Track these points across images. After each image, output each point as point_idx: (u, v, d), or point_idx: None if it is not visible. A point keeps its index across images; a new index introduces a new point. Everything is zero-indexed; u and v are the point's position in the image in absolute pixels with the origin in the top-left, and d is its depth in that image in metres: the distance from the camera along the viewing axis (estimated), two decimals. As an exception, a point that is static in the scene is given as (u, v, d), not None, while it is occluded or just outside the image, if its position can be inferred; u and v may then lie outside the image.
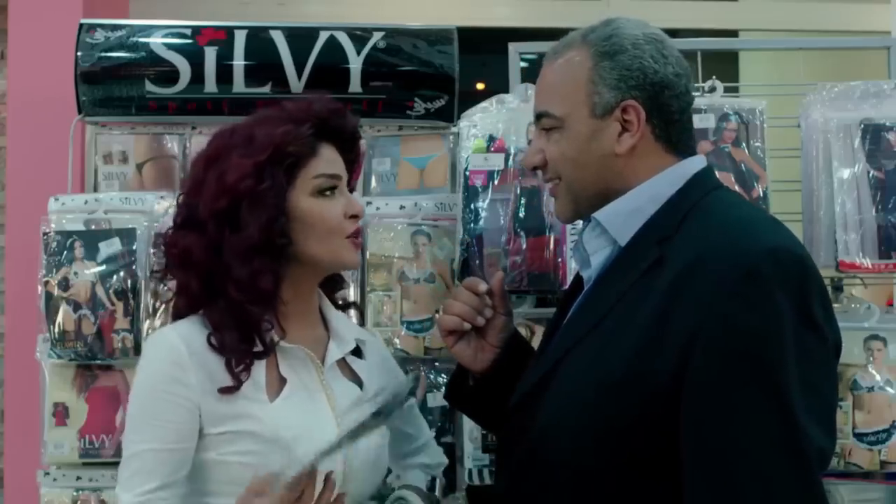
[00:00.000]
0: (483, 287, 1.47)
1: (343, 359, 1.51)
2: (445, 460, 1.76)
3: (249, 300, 1.39)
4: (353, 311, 1.69)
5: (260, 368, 1.41)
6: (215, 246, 1.40)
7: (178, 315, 1.47)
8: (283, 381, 1.42)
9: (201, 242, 1.40)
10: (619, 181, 1.33)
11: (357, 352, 1.55)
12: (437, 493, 1.67)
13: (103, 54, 2.28)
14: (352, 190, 1.54)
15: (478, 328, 1.51)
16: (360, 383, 1.51)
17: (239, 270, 1.39)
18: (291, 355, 1.44)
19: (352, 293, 2.12)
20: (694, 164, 1.35)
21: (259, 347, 1.40)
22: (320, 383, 1.45)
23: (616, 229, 1.32)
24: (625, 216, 1.32)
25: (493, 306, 1.51)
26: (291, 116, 1.45)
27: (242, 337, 1.39)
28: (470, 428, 2.00)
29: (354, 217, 1.47)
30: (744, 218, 1.28)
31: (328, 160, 1.47)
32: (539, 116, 1.38)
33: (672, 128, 1.34)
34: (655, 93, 1.32)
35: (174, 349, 1.38)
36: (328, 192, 1.45)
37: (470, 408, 1.63)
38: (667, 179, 1.32)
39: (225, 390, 1.37)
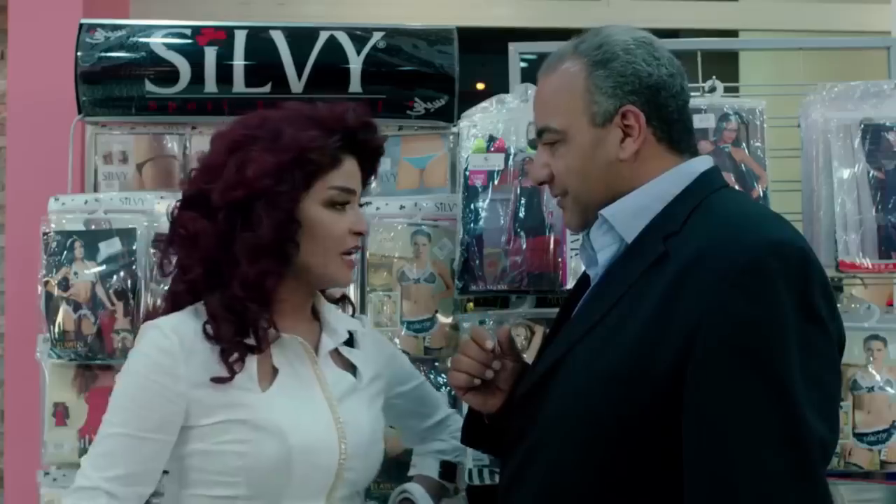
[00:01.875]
0: (490, 344, 1.45)
1: (336, 350, 1.52)
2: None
3: (252, 298, 1.39)
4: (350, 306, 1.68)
5: (252, 360, 1.41)
6: (225, 237, 1.39)
7: (175, 298, 1.45)
8: (275, 371, 1.43)
9: (212, 231, 1.40)
10: (625, 186, 1.33)
11: (351, 342, 1.55)
12: (463, 479, 1.66)
13: (103, 54, 2.29)
14: (362, 204, 1.54)
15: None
16: (354, 371, 1.52)
17: (247, 268, 1.38)
18: (285, 346, 1.44)
19: (352, 293, 2.13)
20: (701, 163, 1.36)
21: (252, 342, 1.40)
22: (314, 372, 1.46)
23: (623, 226, 1.33)
24: (631, 213, 1.32)
25: (503, 355, 1.48)
26: (322, 122, 1.44)
27: (238, 330, 1.39)
28: (470, 428, 2.00)
29: (358, 234, 1.47)
30: (746, 213, 1.29)
31: (347, 173, 1.46)
32: (540, 132, 1.39)
33: (673, 127, 1.34)
34: (652, 95, 1.32)
35: (166, 339, 1.38)
36: (339, 206, 1.45)
37: (488, 445, 1.60)
38: (673, 178, 1.33)
39: (217, 380, 1.37)
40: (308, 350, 1.46)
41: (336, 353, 1.52)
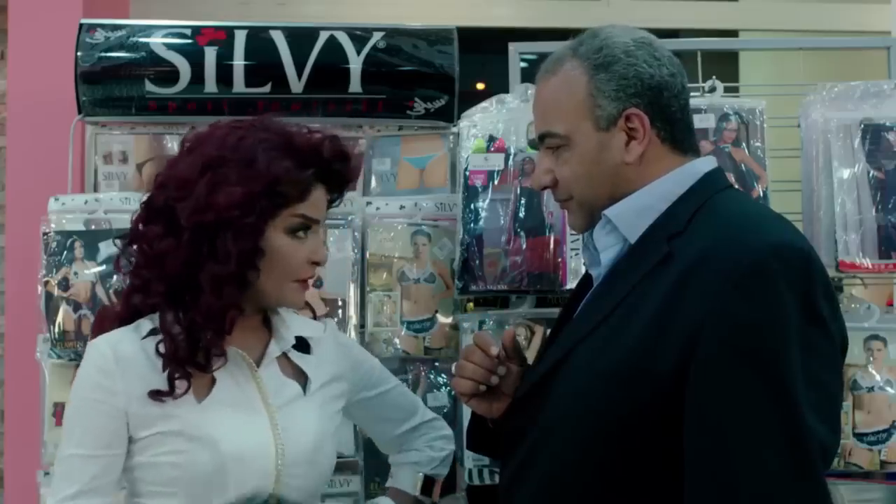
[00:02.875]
0: (495, 350, 1.43)
1: (287, 357, 1.50)
2: (441, 454, 1.70)
3: (211, 327, 1.39)
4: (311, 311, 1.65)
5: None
6: (189, 261, 1.38)
7: (133, 309, 1.45)
8: (213, 381, 1.42)
9: (177, 254, 1.39)
10: (630, 188, 1.33)
11: (306, 348, 1.53)
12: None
13: (103, 54, 2.29)
14: (334, 201, 1.52)
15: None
16: (305, 378, 1.51)
17: (211, 300, 1.38)
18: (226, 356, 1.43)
19: (352, 293, 2.13)
20: (705, 163, 1.35)
21: (202, 361, 1.40)
22: (254, 382, 1.45)
23: (626, 227, 1.32)
24: (635, 213, 1.32)
25: (507, 359, 1.46)
26: (298, 152, 1.42)
27: (193, 353, 1.39)
28: (470, 428, 2.00)
29: (315, 264, 1.46)
30: (750, 215, 1.29)
31: (314, 203, 1.45)
32: (542, 137, 1.38)
33: (676, 127, 1.34)
34: (655, 97, 1.32)
35: (101, 356, 1.39)
36: (301, 233, 1.44)
37: (492, 449, 1.58)
38: (678, 178, 1.32)
39: (155, 394, 1.37)
40: (246, 359, 1.45)
41: (286, 361, 1.51)
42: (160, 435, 1.38)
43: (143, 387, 1.38)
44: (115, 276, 2.10)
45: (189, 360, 1.39)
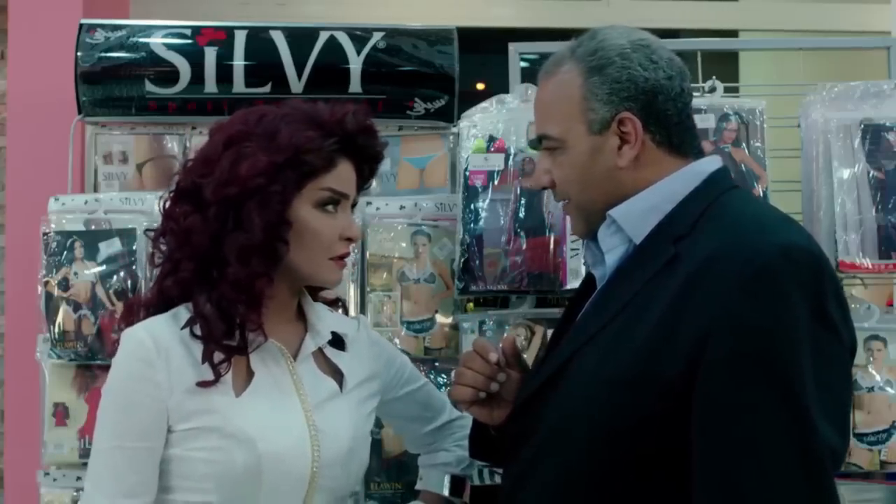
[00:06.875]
0: (494, 357, 1.42)
1: (322, 353, 1.49)
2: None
3: (242, 300, 1.37)
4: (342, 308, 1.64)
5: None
6: (217, 235, 1.37)
7: (165, 294, 1.43)
8: (251, 374, 1.40)
9: (204, 228, 1.37)
10: (626, 193, 1.32)
11: (340, 344, 1.51)
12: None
13: (103, 54, 2.29)
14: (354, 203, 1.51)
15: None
16: (341, 376, 1.49)
17: (238, 269, 1.36)
18: (263, 349, 1.41)
19: (352, 293, 2.13)
20: (709, 163, 1.35)
21: (239, 343, 1.38)
22: (291, 378, 1.43)
23: (631, 227, 1.31)
24: (640, 214, 1.31)
25: (507, 365, 1.45)
26: (321, 123, 1.41)
27: (227, 331, 1.37)
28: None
29: (349, 240, 1.45)
30: (757, 216, 1.28)
31: (341, 176, 1.43)
32: (540, 139, 1.38)
33: (672, 131, 1.33)
34: (649, 100, 1.31)
35: (142, 346, 1.36)
36: (330, 208, 1.42)
37: (496, 457, 1.55)
38: (682, 178, 1.31)
39: (203, 383, 1.35)
40: (285, 354, 1.43)
41: (321, 357, 1.49)
42: (196, 430, 1.35)
43: (184, 379, 1.35)
44: (115, 277, 2.11)
45: (224, 339, 1.36)
